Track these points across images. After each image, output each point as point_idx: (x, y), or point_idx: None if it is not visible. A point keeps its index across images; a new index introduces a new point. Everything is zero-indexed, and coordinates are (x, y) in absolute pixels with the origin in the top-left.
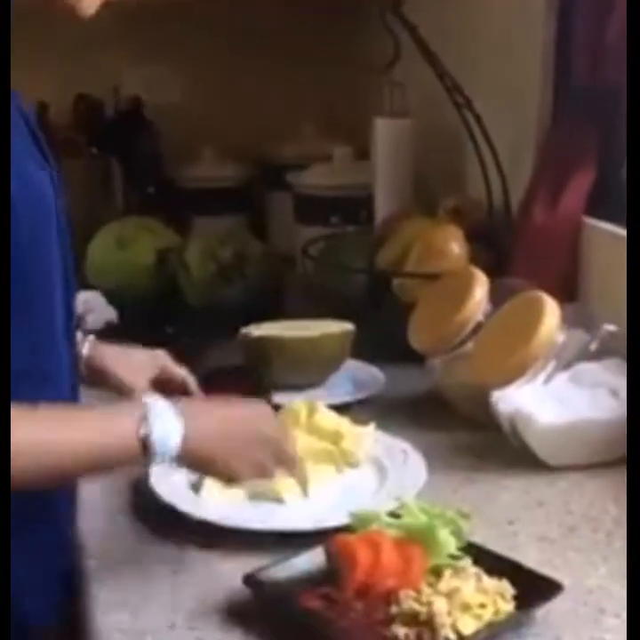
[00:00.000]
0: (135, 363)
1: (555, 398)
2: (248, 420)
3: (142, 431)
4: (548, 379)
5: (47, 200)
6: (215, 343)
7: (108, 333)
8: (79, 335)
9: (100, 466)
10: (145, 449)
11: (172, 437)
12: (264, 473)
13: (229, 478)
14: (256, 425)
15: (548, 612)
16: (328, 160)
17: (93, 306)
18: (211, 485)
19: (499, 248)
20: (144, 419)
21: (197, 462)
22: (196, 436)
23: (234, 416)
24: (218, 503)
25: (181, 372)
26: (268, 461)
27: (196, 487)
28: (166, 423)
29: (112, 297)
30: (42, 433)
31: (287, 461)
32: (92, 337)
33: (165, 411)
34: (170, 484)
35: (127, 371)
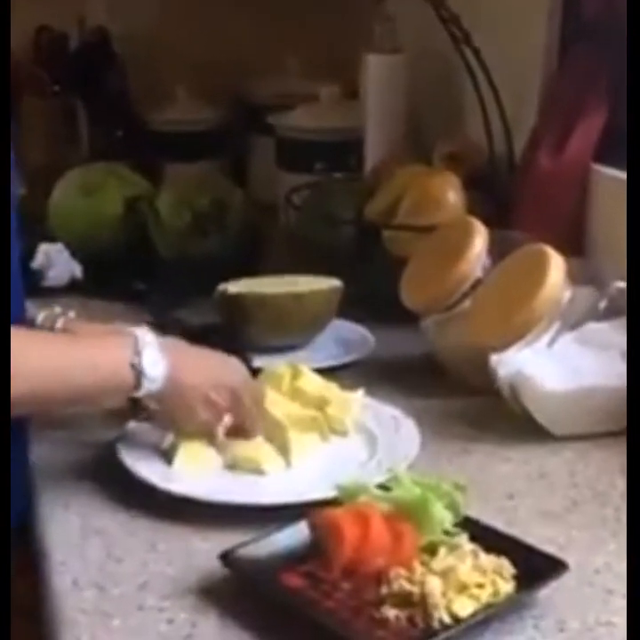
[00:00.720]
0: None
1: (560, 361)
2: (219, 365)
3: (134, 358)
4: (553, 340)
5: None
6: (189, 301)
7: (71, 290)
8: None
9: (90, 394)
10: (135, 376)
11: (160, 363)
12: (214, 415)
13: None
14: (225, 371)
15: (552, 592)
16: (314, 100)
17: (55, 260)
18: (184, 456)
19: (500, 197)
20: (134, 347)
21: (180, 393)
22: (179, 366)
23: (208, 358)
24: (192, 475)
25: None
26: (222, 406)
27: (168, 457)
28: (154, 352)
29: (76, 250)
30: (39, 359)
31: (243, 414)
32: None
33: (153, 341)
34: (140, 456)
35: None
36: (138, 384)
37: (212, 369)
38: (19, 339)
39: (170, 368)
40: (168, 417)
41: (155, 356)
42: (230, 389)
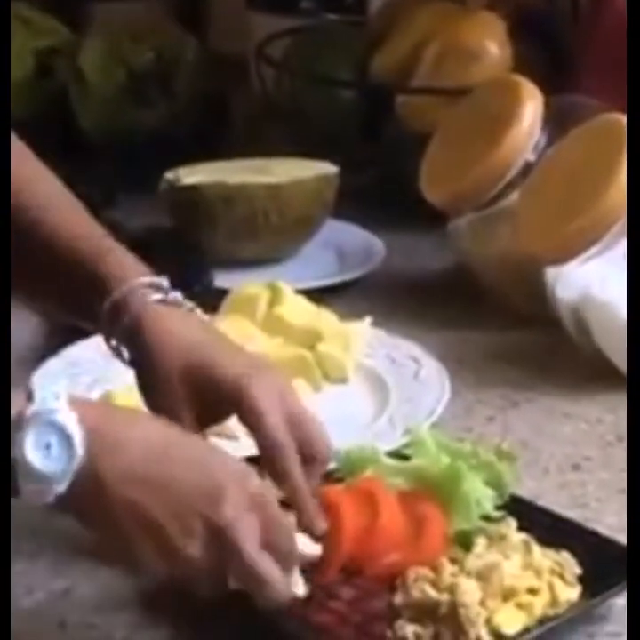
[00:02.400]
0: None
1: None
2: (195, 460)
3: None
4: None
5: None
6: (125, 194)
7: None
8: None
9: None
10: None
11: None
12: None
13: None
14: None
15: None
16: None
17: None
18: None
19: (559, 49)
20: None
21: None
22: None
23: (170, 449)
24: None
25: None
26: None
27: None
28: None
29: None
30: None
31: (280, 550)
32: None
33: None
34: None
35: None
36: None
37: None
38: None
39: (86, 454)
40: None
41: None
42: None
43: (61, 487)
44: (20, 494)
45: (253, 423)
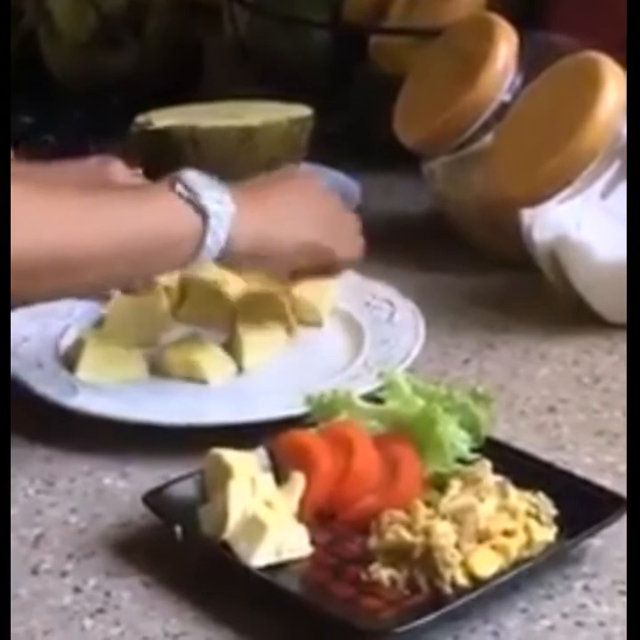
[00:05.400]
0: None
1: (620, 220)
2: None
3: (188, 194)
4: (610, 189)
5: None
6: (95, 139)
7: None
8: None
9: (138, 258)
10: (195, 220)
11: (226, 199)
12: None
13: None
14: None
15: (607, 542)
16: None
17: None
18: (92, 357)
19: None
20: (182, 184)
21: (266, 236)
22: (253, 201)
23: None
24: (103, 385)
25: None
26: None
27: (69, 360)
28: (212, 187)
29: None
30: (55, 215)
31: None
32: None
33: (203, 177)
34: (28, 358)
35: None
36: (204, 233)
37: (302, 198)
38: (28, 191)
39: (240, 204)
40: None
41: (215, 194)
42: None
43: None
44: (205, 241)
45: None
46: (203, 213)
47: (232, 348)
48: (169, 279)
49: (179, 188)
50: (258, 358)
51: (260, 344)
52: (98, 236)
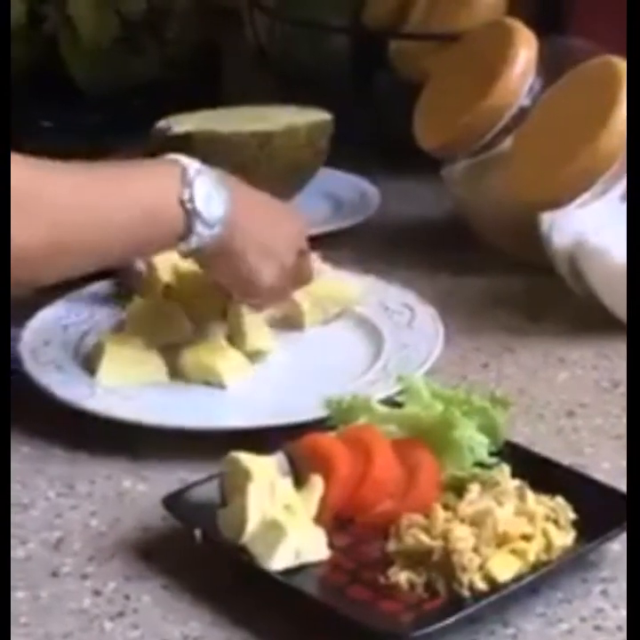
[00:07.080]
0: None
1: None
2: (290, 217)
3: (183, 191)
4: None
5: None
6: (116, 144)
7: None
8: None
9: (129, 240)
10: (184, 216)
11: (217, 200)
12: (282, 278)
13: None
14: (287, 218)
15: (625, 546)
16: None
17: None
18: (112, 361)
19: None
20: (182, 177)
21: (234, 241)
22: (242, 208)
23: (273, 204)
24: (123, 388)
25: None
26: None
27: (89, 364)
28: (209, 184)
29: None
30: (59, 194)
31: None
32: None
33: (207, 171)
34: (48, 361)
35: None
36: (188, 230)
37: (275, 215)
38: (28, 168)
39: (230, 208)
40: (226, 282)
41: (209, 190)
42: (296, 245)
43: (212, 231)
44: (190, 236)
45: None
46: (189, 214)
47: (248, 351)
48: (170, 278)
49: (176, 185)
50: (274, 361)
51: (277, 347)
52: (87, 225)
